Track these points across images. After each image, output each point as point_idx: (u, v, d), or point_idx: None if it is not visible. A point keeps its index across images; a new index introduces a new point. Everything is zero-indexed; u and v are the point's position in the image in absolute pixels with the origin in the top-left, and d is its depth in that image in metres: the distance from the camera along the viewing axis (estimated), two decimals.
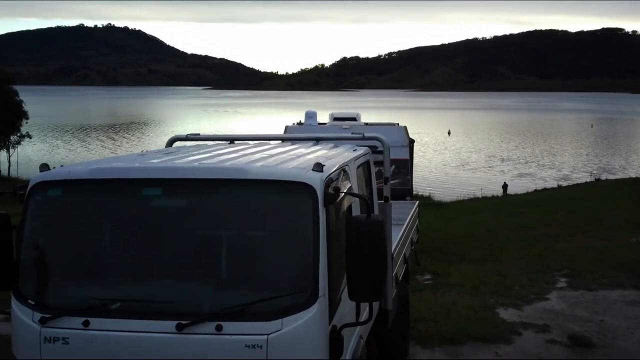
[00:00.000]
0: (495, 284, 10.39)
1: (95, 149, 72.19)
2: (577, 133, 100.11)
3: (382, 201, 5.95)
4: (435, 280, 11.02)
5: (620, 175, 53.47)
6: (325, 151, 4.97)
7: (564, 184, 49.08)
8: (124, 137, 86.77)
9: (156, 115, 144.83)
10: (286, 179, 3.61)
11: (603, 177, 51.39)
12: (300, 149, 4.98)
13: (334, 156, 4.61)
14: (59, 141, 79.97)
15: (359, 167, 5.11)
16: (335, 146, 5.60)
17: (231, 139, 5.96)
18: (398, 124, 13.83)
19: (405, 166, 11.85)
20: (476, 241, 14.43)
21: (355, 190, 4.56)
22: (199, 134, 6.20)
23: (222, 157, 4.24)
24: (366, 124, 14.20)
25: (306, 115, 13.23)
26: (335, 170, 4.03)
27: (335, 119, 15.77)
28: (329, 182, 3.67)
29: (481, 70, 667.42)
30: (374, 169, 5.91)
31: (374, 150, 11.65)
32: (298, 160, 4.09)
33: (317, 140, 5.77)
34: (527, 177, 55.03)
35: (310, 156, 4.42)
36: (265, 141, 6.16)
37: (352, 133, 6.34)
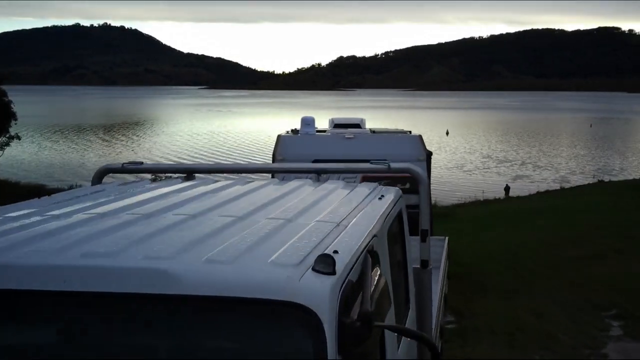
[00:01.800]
0: (534, 330, 8.47)
1: (84, 150, 70.37)
2: (576, 133, 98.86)
3: (419, 266, 3.89)
4: (460, 323, 9.09)
5: (622, 177, 52.35)
6: (335, 202, 2.91)
7: (567, 185, 47.99)
8: (113, 138, 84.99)
9: (149, 116, 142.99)
10: (257, 296, 1.76)
11: (605, 178, 50.39)
12: (292, 197, 2.95)
13: (351, 217, 2.58)
14: (49, 142, 78.10)
15: (390, 228, 2.92)
16: (349, 187, 3.46)
17: (188, 172, 3.85)
18: (410, 131, 11.50)
19: None
20: (498, 265, 12.51)
21: (388, 276, 2.55)
22: (141, 163, 4.06)
23: (143, 229, 2.24)
24: (373, 131, 11.77)
25: (302, 122, 10.95)
26: (358, 260, 2.10)
27: (336, 125, 12.94)
28: (347, 296, 1.85)
29: (478, 69, 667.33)
30: (407, 226, 3.65)
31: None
32: (284, 237, 2.16)
33: (320, 174, 3.92)
34: (528, 178, 54.19)
35: (310, 221, 2.43)
36: (239, 174, 4.08)
37: (371, 162, 4.35)
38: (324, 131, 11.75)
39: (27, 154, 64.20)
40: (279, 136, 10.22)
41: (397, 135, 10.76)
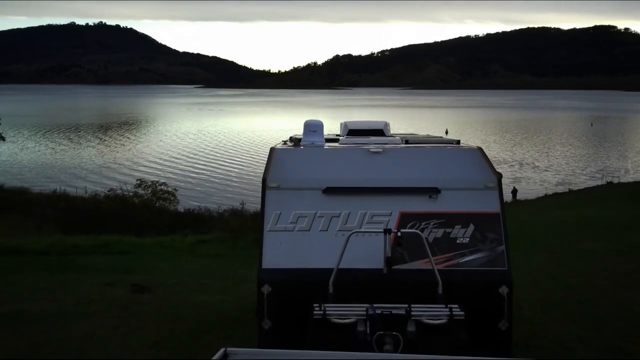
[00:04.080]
0: None
1: (71, 151, 68.12)
2: (576, 132, 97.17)
3: None
4: None
5: (629, 178, 50.85)
6: None
7: (575, 187, 46.59)
8: (101, 139, 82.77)
9: (140, 115, 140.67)
10: None
11: (609, 179, 49.02)
12: None
13: None
14: (37, 143, 75.78)
15: None
16: None
17: None
18: (459, 141, 7.81)
19: (494, 227, 6.25)
20: (574, 324, 8.92)
21: None
22: None
23: None
24: (406, 141, 7.81)
25: (306, 128, 7.37)
26: None
27: (351, 132, 8.83)
28: None
29: (474, 68, 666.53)
30: None
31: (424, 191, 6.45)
32: None
33: None
34: (531, 179, 52.74)
35: None
36: None
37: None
38: (336, 140, 8.04)
39: (13, 155, 62.01)
40: (272, 150, 6.74)
41: (447, 149, 7.00)
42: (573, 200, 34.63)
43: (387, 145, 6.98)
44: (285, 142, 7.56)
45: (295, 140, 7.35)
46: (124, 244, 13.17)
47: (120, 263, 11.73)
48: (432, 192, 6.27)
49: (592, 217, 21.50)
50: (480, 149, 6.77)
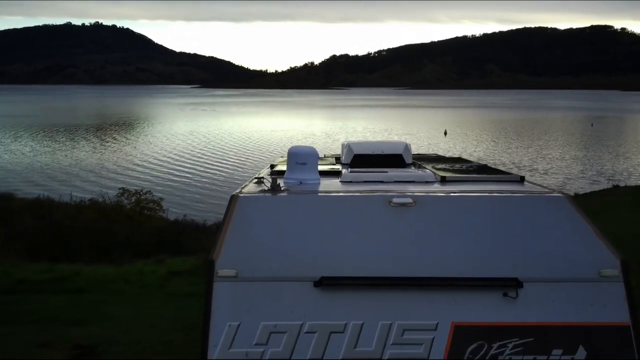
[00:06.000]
0: None
1: (59, 152, 66.00)
2: (576, 133, 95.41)
3: None
4: None
5: (631, 181, 49.09)
6: None
7: (580, 191, 44.92)
8: (88, 140, 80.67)
9: (131, 116, 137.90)
10: None
11: (617, 183, 47.40)
12: None
13: None
14: (26, 144, 73.67)
15: None
16: None
17: None
18: (523, 177, 4.70)
19: (622, 351, 3.43)
20: None
21: None
22: None
23: None
24: (443, 178, 4.49)
25: (291, 158, 4.47)
26: None
27: (358, 158, 5.89)
28: None
29: (471, 68, 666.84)
30: None
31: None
32: None
33: None
34: (540, 181, 50.38)
35: None
36: None
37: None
38: (336, 173, 4.95)
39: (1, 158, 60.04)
40: (232, 200, 3.78)
41: (518, 199, 3.82)
42: (585, 207, 32.53)
43: (417, 190, 3.97)
44: (258, 181, 4.23)
45: (273, 180, 4.04)
46: (81, 279, 11.09)
47: (68, 308, 9.65)
48: (509, 286, 3.53)
49: (621, 233, 19.34)
50: (569, 197, 3.82)
